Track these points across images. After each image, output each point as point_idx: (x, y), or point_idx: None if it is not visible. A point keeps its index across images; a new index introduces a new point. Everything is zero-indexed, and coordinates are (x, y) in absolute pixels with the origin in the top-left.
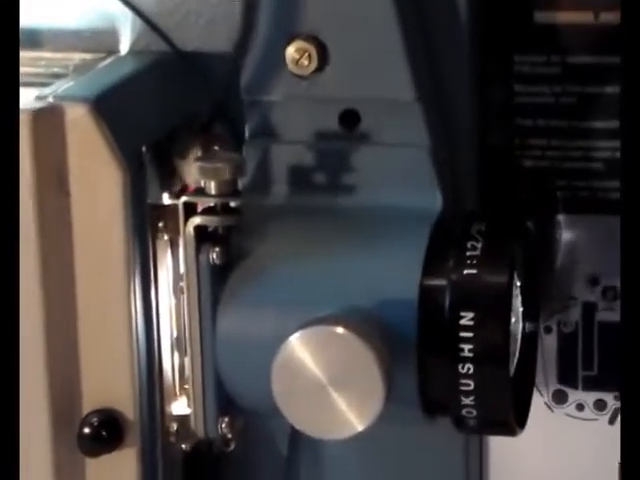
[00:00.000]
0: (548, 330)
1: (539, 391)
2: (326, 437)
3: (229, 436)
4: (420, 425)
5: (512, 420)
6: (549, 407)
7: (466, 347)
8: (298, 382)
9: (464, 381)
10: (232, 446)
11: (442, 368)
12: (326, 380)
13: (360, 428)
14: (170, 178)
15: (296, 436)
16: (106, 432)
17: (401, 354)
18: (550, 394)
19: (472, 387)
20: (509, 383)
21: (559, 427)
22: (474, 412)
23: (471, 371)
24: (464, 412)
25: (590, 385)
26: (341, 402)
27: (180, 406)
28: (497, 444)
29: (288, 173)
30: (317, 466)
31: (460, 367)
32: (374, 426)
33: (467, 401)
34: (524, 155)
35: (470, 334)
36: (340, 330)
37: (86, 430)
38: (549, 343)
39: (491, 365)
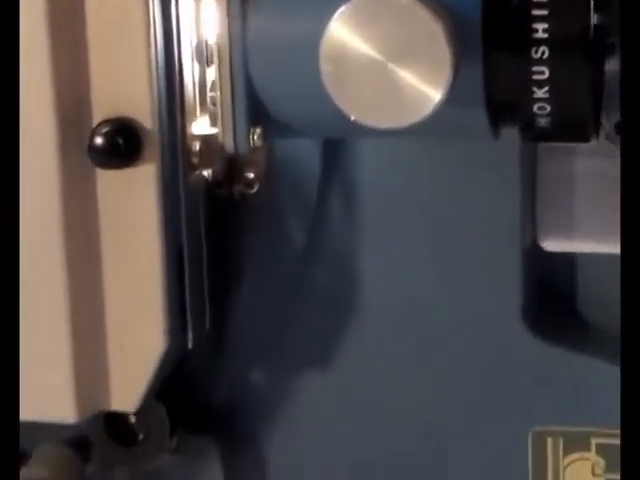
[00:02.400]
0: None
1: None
2: (395, 122)
3: (251, 176)
4: (484, 138)
5: (590, 119)
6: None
7: (540, 27)
8: (352, 59)
9: (537, 68)
10: (255, 187)
11: (512, 55)
12: (385, 55)
13: (437, 98)
14: None
15: (326, 183)
16: (123, 141)
17: (465, 42)
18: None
19: (547, 75)
20: (589, 72)
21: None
22: (547, 108)
23: (546, 55)
24: (536, 108)
25: None
26: (406, 77)
27: (202, 126)
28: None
29: None
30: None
31: (533, 51)
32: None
33: (540, 93)
34: None
35: (545, 12)
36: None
37: (98, 140)
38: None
39: (570, 48)
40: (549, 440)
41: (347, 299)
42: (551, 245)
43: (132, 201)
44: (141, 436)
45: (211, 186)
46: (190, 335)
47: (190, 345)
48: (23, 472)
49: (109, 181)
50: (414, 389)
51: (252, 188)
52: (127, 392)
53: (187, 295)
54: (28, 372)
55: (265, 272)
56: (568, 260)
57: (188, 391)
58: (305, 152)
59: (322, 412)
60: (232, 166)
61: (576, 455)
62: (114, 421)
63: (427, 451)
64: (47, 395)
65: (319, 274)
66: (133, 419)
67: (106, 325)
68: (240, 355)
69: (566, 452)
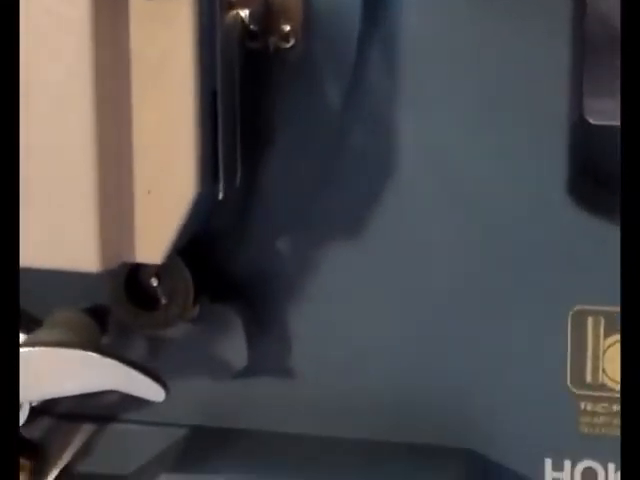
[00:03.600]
0: None
1: None
2: None
3: (287, 29)
4: None
5: None
6: None
7: None
8: None
9: None
10: (291, 41)
11: None
12: None
13: None
14: None
15: (366, 39)
16: None
17: None
18: None
19: None
20: None
21: None
22: None
23: None
24: None
25: None
26: None
27: None
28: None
29: None
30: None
31: None
32: None
33: None
34: None
35: None
36: None
37: None
38: None
39: None
40: (590, 320)
41: (384, 162)
42: (598, 118)
43: (167, 37)
44: (164, 300)
45: (246, 38)
46: (221, 186)
47: (221, 195)
48: (33, 336)
49: (143, 15)
50: (451, 266)
51: (288, 41)
52: (153, 242)
53: (220, 142)
54: (52, 218)
55: (299, 131)
56: (615, 134)
57: (212, 258)
58: (344, 4)
59: (351, 285)
60: (268, 17)
61: (617, 337)
62: (135, 285)
63: (463, 330)
64: (70, 242)
65: (356, 134)
66: (155, 282)
67: (134, 170)
68: (268, 219)
69: (607, 333)
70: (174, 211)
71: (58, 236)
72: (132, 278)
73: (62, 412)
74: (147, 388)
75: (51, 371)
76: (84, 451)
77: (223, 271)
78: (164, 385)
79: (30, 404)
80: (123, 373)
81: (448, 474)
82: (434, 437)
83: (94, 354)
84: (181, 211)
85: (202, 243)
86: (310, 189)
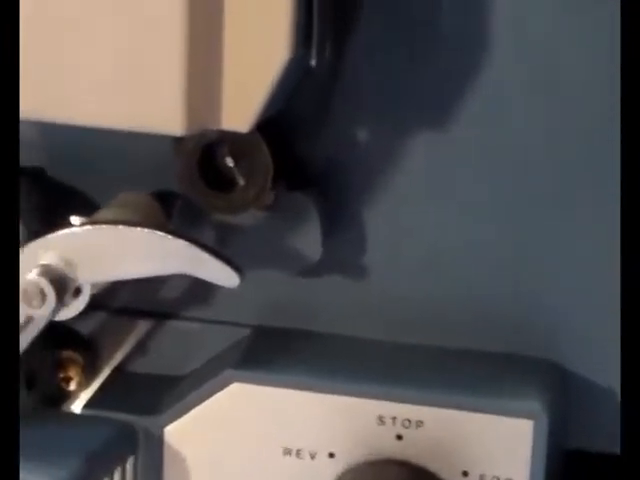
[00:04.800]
0: None
1: None
2: None
3: None
4: None
5: None
6: None
7: None
8: None
9: None
10: None
11: None
12: None
13: None
14: None
15: None
16: None
17: None
18: None
19: None
20: None
21: None
22: None
23: None
24: None
25: None
26: None
27: None
28: None
29: None
30: None
31: None
32: None
33: None
34: None
35: None
36: None
37: None
38: None
39: None
40: None
41: (477, 47)
42: None
43: None
44: (241, 181)
45: None
46: (314, 52)
47: (313, 62)
48: (95, 215)
49: None
50: (537, 165)
51: None
52: (241, 109)
53: (315, 4)
54: (138, 78)
55: (391, 7)
56: None
57: (291, 143)
58: None
59: (433, 182)
60: None
61: None
62: (209, 165)
63: (544, 234)
64: (156, 103)
65: (449, 14)
66: (231, 163)
67: (224, 29)
68: (353, 105)
69: None
70: (265, 75)
71: (144, 97)
72: (206, 158)
73: (118, 307)
74: (220, 272)
75: (116, 251)
76: (139, 349)
77: (301, 158)
78: (238, 270)
79: (91, 291)
80: (195, 255)
81: (525, 382)
82: (509, 345)
83: (165, 234)
84: (272, 75)
85: (282, 125)
86: (399, 74)
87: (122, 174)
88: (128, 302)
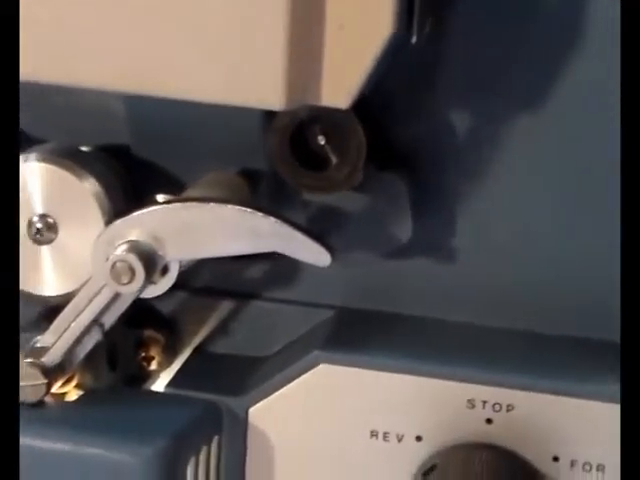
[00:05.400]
0: None
1: None
2: None
3: None
4: None
5: None
6: None
7: None
8: None
9: None
10: None
11: None
12: None
13: None
14: None
15: None
16: None
17: None
18: None
19: None
20: None
21: None
22: None
23: None
24: None
25: None
26: None
27: None
28: None
29: None
30: None
31: None
32: None
33: None
34: None
35: None
36: None
37: None
38: None
39: None
40: None
41: (577, 34)
42: None
43: None
44: (334, 159)
45: None
46: (415, 28)
47: (414, 39)
48: (184, 193)
49: None
50: None
51: None
52: (341, 84)
53: None
54: (238, 51)
55: None
56: None
57: (383, 121)
58: None
59: (522, 165)
60: None
61: None
62: (300, 143)
63: None
64: (256, 77)
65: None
66: (323, 141)
67: (327, 2)
68: (447, 85)
69: None
70: (366, 50)
71: (243, 70)
72: (297, 136)
73: (199, 287)
74: (312, 251)
75: (206, 228)
76: (220, 329)
77: (392, 137)
78: (329, 249)
79: (180, 267)
80: (286, 233)
81: (617, 368)
82: (597, 330)
83: (255, 211)
84: (374, 51)
85: (374, 103)
86: (496, 56)
87: (207, 151)
88: (210, 281)
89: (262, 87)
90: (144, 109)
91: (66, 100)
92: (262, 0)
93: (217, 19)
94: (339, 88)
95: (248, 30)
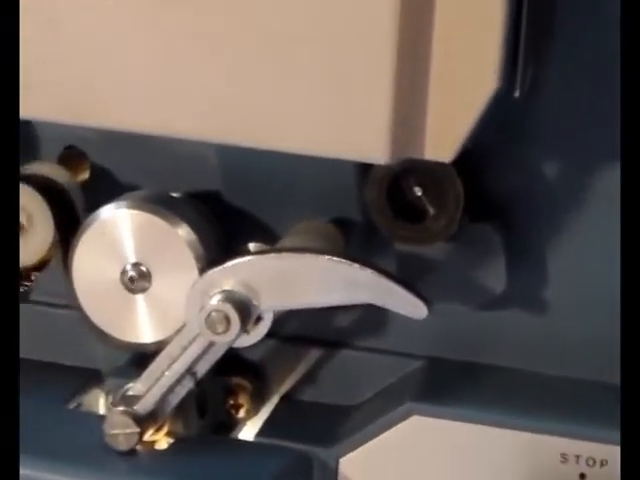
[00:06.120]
0: None
1: None
2: None
3: None
4: None
5: None
6: None
7: None
8: None
9: None
10: None
11: None
12: None
13: None
14: None
15: None
16: None
17: None
18: None
19: None
20: None
21: None
22: None
23: None
24: None
25: None
26: None
27: None
28: None
29: None
30: None
31: None
32: None
33: None
34: None
35: None
36: None
37: None
38: None
39: None
40: None
41: None
42: None
43: None
44: (431, 211)
45: None
46: (518, 82)
47: (517, 93)
48: (281, 242)
49: None
50: None
51: None
52: (444, 138)
53: (522, 34)
54: (341, 105)
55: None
56: None
57: (477, 174)
58: None
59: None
60: None
61: None
62: (397, 195)
63: None
64: (360, 131)
65: None
66: (419, 192)
67: (432, 58)
68: (540, 136)
69: None
70: (471, 105)
71: (349, 125)
72: (393, 187)
73: (287, 334)
74: (408, 303)
75: (302, 279)
76: (308, 378)
77: (486, 188)
78: (426, 301)
79: (273, 315)
80: (383, 285)
81: None
82: None
83: (352, 263)
84: (478, 106)
85: (470, 155)
86: (588, 109)
87: (298, 200)
88: (298, 329)
89: (367, 141)
90: (236, 157)
91: (156, 147)
92: (369, 55)
93: (324, 73)
94: (442, 142)
95: (354, 84)
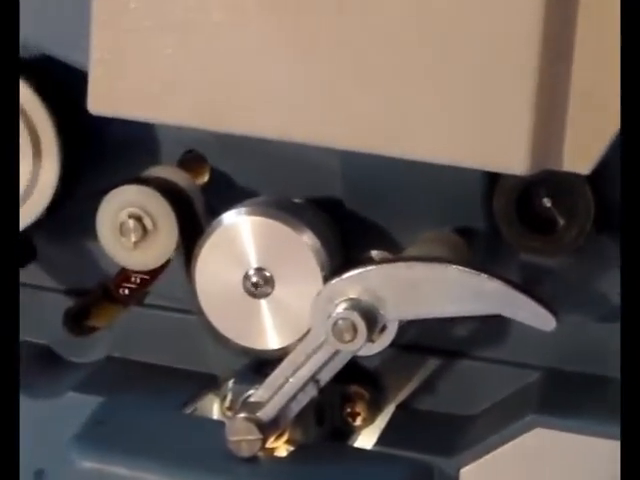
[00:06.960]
0: None
1: None
2: None
3: None
4: None
5: None
6: None
7: None
8: None
9: None
10: None
11: None
12: None
13: None
14: None
15: None
16: None
17: None
18: None
19: None
20: None
21: None
22: None
23: None
24: None
25: None
26: None
27: None
28: None
29: None
30: None
31: None
32: None
33: None
34: None
35: None
36: None
37: None
38: None
39: None
40: None
41: None
42: None
43: None
44: (561, 222)
45: None
46: None
47: None
48: (406, 251)
49: None
50: None
51: None
52: (584, 151)
53: None
54: (481, 115)
55: None
56: None
57: (599, 184)
58: None
59: None
60: None
61: None
62: (527, 206)
63: None
64: (500, 142)
65: None
66: (549, 203)
67: (573, 69)
68: None
69: None
70: (611, 117)
71: (489, 135)
72: (523, 198)
73: (406, 343)
74: (537, 315)
75: (429, 289)
76: (425, 386)
77: (610, 200)
78: (554, 313)
79: (400, 324)
80: (511, 296)
81: None
82: None
83: (481, 273)
84: (619, 118)
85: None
86: None
87: (420, 209)
88: (416, 338)
89: (507, 151)
90: (360, 165)
91: (275, 152)
92: (511, 67)
93: (465, 84)
94: (582, 154)
95: (496, 95)
